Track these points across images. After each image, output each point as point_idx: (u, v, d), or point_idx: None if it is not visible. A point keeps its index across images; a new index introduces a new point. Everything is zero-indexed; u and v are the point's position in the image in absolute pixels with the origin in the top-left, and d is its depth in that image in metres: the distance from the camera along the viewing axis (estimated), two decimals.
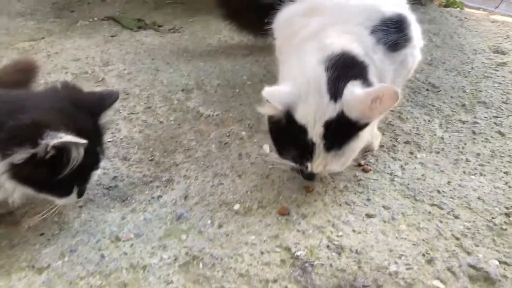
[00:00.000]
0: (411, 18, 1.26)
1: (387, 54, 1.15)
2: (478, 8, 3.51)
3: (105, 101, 1.00)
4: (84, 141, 0.87)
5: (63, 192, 0.96)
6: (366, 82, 1.05)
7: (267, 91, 0.98)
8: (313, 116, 0.99)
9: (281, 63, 1.29)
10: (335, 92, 1.00)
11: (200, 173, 1.22)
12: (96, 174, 1.00)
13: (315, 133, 1.00)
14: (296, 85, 1.02)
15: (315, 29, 1.16)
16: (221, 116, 1.47)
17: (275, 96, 0.99)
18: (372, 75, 1.09)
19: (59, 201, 0.97)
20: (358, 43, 1.11)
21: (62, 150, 0.87)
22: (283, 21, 1.32)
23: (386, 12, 1.18)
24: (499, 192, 1.19)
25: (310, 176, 1.09)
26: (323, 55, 1.06)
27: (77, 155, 0.89)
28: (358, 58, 1.08)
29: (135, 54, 1.86)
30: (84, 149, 0.90)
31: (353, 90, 1.00)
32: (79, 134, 0.88)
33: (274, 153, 1.11)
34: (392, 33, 1.16)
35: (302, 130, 1.00)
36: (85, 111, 0.96)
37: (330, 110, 0.99)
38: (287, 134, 1.04)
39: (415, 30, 1.25)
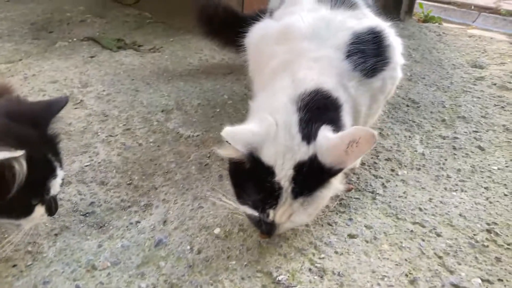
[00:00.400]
0: (390, 32, 1.21)
1: (364, 81, 1.09)
2: (456, 23, 3.59)
3: (51, 108, 0.95)
4: (19, 153, 0.81)
5: (21, 212, 0.89)
6: (338, 125, 0.98)
7: (228, 131, 0.89)
8: (282, 156, 0.90)
9: (254, 90, 1.26)
10: (308, 134, 0.92)
11: (179, 197, 1.19)
12: (57, 184, 0.94)
13: (284, 175, 0.90)
14: (263, 124, 0.94)
15: (285, 59, 1.10)
16: (201, 136, 1.46)
17: (237, 138, 0.89)
18: (345, 113, 1.02)
19: (24, 223, 0.91)
20: (331, 72, 1.05)
21: (1, 167, 0.81)
22: (254, 43, 1.29)
23: (360, 30, 1.13)
24: (480, 208, 1.19)
25: (269, 230, 0.97)
26: (295, 93, 0.99)
27: (20, 169, 0.82)
28: (331, 95, 1.00)
29: (115, 74, 1.84)
30: (30, 160, 0.83)
31: (327, 134, 0.92)
32: (19, 146, 0.82)
33: (231, 199, 1.03)
34: (369, 56, 1.10)
35: (268, 172, 0.90)
36: (27, 122, 0.90)
37: (302, 152, 0.91)
38: (249, 176, 0.93)
39: (395, 48, 1.21)
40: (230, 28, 1.80)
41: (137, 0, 2.92)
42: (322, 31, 1.13)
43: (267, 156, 0.90)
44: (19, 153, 0.81)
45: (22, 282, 0.94)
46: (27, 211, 0.90)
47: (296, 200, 0.91)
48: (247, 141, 0.90)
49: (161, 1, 2.92)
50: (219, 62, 2.01)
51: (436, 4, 3.94)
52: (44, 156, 0.91)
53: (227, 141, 0.88)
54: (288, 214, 0.93)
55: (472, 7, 3.80)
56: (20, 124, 0.90)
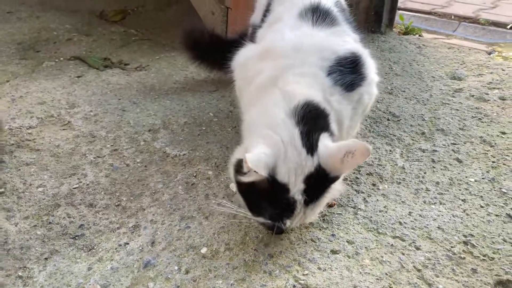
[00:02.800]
0: (365, 55, 1.30)
1: (344, 95, 1.18)
2: (437, 33, 3.67)
3: None
4: None
5: None
6: (330, 131, 1.08)
7: (251, 160, 0.94)
8: (294, 173, 0.99)
9: (242, 106, 1.32)
10: (311, 146, 1.01)
11: (166, 217, 1.22)
12: None
13: (297, 190, 0.99)
14: (271, 144, 1.02)
15: (271, 74, 1.18)
16: (187, 155, 1.49)
17: (260, 164, 0.96)
18: (332, 122, 1.12)
19: None
20: (316, 87, 1.14)
21: None
22: (240, 63, 1.35)
23: (340, 51, 1.22)
24: (457, 221, 1.24)
25: (282, 231, 1.07)
26: (289, 107, 1.08)
27: None
28: (320, 106, 1.10)
29: (102, 94, 1.87)
30: None
31: (327, 143, 1.03)
32: None
33: (242, 209, 1.11)
34: (347, 73, 1.20)
35: (283, 189, 0.99)
36: None
37: (309, 165, 1.00)
38: (265, 194, 1.01)
39: (370, 67, 1.29)
40: (215, 52, 1.87)
41: (123, 17, 2.96)
42: (305, 47, 1.22)
43: (281, 175, 0.99)
44: None
45: None
46: None
47: (308, 207, 1.02)
48: (268, 164, 0.98)
49: (146, 17, 2.96)
50: (204, 79, 2.05)
51: (417, 14, 4.03)
52: None
53: (251, 170, 0.95)
54: (302, 219, 1.05)
55: (453, 17, 3.89)
56: None
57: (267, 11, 1.54)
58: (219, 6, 2.17)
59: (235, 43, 1.84)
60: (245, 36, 1.75)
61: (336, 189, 1.10)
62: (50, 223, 1.20)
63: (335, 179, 1.02)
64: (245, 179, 1.01)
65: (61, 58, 2.23)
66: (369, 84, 1.27)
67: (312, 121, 1.05)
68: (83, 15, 2.92)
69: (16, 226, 1.18)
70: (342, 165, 0.99)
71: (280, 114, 1.07)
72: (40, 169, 1.40)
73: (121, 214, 1.24)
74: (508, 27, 3.59)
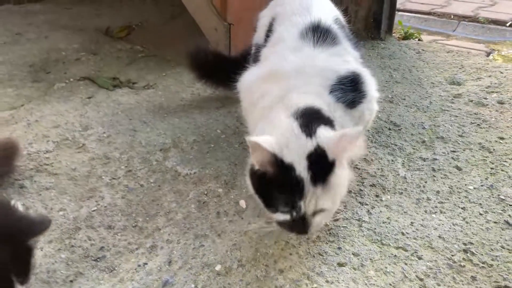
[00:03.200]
0: (365, 74, 1.37)
1: (347, 111, 1.26)
2: (437, 33, 3.72)
3: (33, 228, 1.00)
4: None
5: None
6: (333, 127, 1.17)
7: (256, 138, 1.06)
8: (297, 154, 1.08)
9: (250, 125, 1.39)
10: (309, 132, 1.11)
11: (181, 236, 1.30)
12: None
13: (302, 167, 1.07)
14: (274, 136, 1.12)
15: (276, 95, 1.27)
16: (198, 174, 1.57)
17: (264, 141, 1.07)
18: (336, 125, 1.20)
19: None
20: (320, 100, 1.23)
21: None
22: (245, 87, 1.42)
23: (341, 71, 1.30)
24: (457, 229, 1.30)
25: (304, 227, 1.11)
26: (290, 111, 1.17)
27: None
28: (323, 111, 1.19)
29: (113, 115, 1.94)
30: None
31: (324, 131, 1.12)
32: None
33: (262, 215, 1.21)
34: (349, 91, 1.28)
35: (290, 169, 1.07)
36: (4, 241, 0.95)
37: (309, 145, 1.09)
38: (276, 181, 1.09)
39: (370, 85, 1.36)
40: (220, 71, 1.95)
41: (127, 33, 3.04)
42: (308, 69, 1.29)
43: (286, 156, 1.08)
44: None
45: None
46: None
47: (317, 187, 1.07)
48: (272, 145, 1.07)
49: (151, 32, 3.04)
50: (210, 96, 2.12)
51: (417, 15, 4.08)
52: (6, 276, 0.94)
53: (257, 145, 1.05)
54: (315, 201, 1.08)
55: (452, 17, 3.93)
56: None
57: (269, 31, 1.60)
58: (222, 23, 2.24)
59: (238, 62, 1.93)
60: (248, 55, 1.83)
61: (346, 177, 1.17)
62: (72, 246, 1.28)
63: (334, 162, 1.09)
64: (253, 158, 1.09)
65: (71, 79, 2.31)
66: (370, 101, 1.34)
67: (312, 116, 1.16)
68: (90, 33, 3.01)
69: (41, 250, 1.26)
70: (338, 148, 1.08)
71: (281, 117, 1.17)
72: (60, 193, 1.48)
73: (139, 234, 1.31)
74: (508, 24, 3.64)
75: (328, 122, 1.18)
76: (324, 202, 1.10)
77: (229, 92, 2.02)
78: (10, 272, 0.95)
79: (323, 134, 1.11)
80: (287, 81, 1.29)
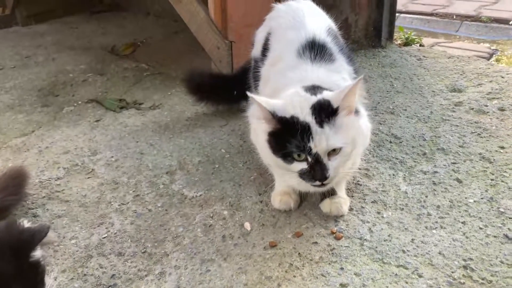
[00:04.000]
0: None
1: None
2: (440, 34, 3.72)
3: (33, 238, 1.05)
4: None
5: None
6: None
7: (255, 95, 1.24)
8: (300, 107, 1.22)
9: (256, 141, 1.49)
10: (315, 93, 1.26)
11: (189, 261, 1.34)
12: None
13: (306, 114, 1.21)
14: (282, 99, 1.27)
15: (284, 96, 1.34)
16: (203, 196, 1.61)
17: (262, 100, 1.23)
18: None
19: None
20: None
21: None
22: (254, 111, 1.49)
23: (340, 86, 1.37)
24: (457, 245, 1.33)
25: (321, 173, 1.22)
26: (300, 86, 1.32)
27: None
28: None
29: (120, 138, 2.00)
30: None
31: (329, 93, 1.26)
32: None
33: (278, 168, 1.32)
34: None
35: (294, 118, 1.21)
36: (7, 254, 0.99)
37: (312, 99, 1.24)
38: (286, 133, 1.22)
39: (359, 104, 1.44)
40: (219, 89, 2.01)
41: (133, 50, 3.11)
42: (309, 79, 1.38)
43: (290, 111, 1.23)
44: None
45: None
46: None
47: (324, 128, 1.20)
48: (274, 107, 1.23)
49: (155, 48, 3.10)
50: (213, 113, 2.17)
51: (419, 16, 4.09)
52: None
53: (259, 104, 1.22)
54: (325, 140, 1.20)
55: (454, 17, 3.93)
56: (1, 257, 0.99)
57: (265, 46, 1.66)
58: (223, 41, 2.29)
59: (236, 78, 2.00)
60: (246, 70, 1.89)
61: (359, 123, 1.33)
62: (85, 275, 1.33)
63: (337, 109, 1.22)
64: (270, 132, 1.26)
65: (79, 102, 2.38)
66: (362, 117, 1.42)
67: (317, 87, 1.30)
68: (96, 51, 3.08)
69: (55, 280, 1.31)
70: (340, 96, 1.21)
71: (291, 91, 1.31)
72: (71, 221, 1.54)
73: (148, 261, 1.36)
74: (511, 23, 3.63)
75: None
76: (334, 141, 1.21)
77: (232, 106, 2.10)
78: (12, 286, 0.99)
79: (328, 93, 1.25)
80: (291, 88, 1.35)
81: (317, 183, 1.25)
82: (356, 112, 1.37)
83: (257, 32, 1.80)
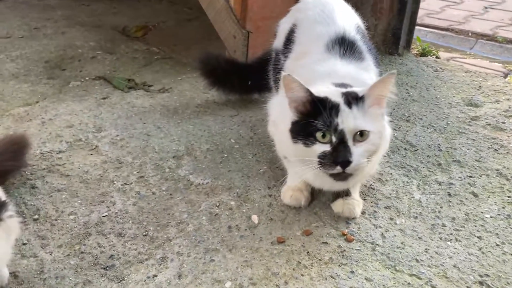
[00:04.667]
0: None
1: None
2: (454, 50, 3.69)
3: None
4: None
5: None
6: None
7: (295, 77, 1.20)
8: (330, 92, 1.24)
9: (274, 133, 1.48)
10: (344, 86, 1.27)
11: (192, 249, 1.28)
12: None
13: (336, 96, 1.22)
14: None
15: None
16: (210, 184, 1.55)
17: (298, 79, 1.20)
18: None
19: None
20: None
21: None
22: (276, 102, 1.48)
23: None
24: (473, 259, 1.28)
25: (344, 155, 1.18)
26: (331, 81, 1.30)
27: None
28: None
29: (127, 118, 1.93)
30: None
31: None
32: None
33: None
34: None
35: (324, 99, 1.21)
36: None
37: (342, 90, 1.25)
38: (313, 113, 1.21)
39: None
40: (232, 77, 1.95)
41: (144, 33, 3.04)
42: (339, 73, 1.37)
43: (321, 94, 1.23)
44: None
45: None
46: None
47: (352, 109, 1.19)
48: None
49: (167, 34, 3.03)
50: (225, 103, 2.10)
51: (434, 30, 4.05)
52: None
53: (292, 79, 1.19)
54: (352, 119, 1.19)
55: (470, 34, 3.90)
56: None
57: (289, 38, 1.60)
58: (241, 30, 2.23)
59: (252, 68, 1.94)
60: (263, 61, 1.83)
61: (384, 118, 1.31)
62: (82, 252, 1.26)
63: (364, 97, 1.21)
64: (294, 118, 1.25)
65: (87, 78, 2.31)
66: (386, 120, 1.37)
67: (347, 85, 1.28)
68: (106, 30, 3.01)
69: (50, 254, 1.25)
70: (370, 89, 1.20)
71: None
72: (71, 196, 1.47)
73: (149, 244, 1.30)
74: None
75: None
76: (361, 122, 1.19)
77: (241, 97, 2.04)
78: None
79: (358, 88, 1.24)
80: (318, 83, 1.31)
81: (338, 168, 1.19)
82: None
83: (280, 23, 1.74)
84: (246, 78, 1.98)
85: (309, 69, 1.40)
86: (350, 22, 1.51)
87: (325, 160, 1.20)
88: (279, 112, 1.43)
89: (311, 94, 1.21)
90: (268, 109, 1.53)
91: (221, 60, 2.02)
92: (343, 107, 1.20)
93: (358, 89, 1.24)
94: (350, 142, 1.19)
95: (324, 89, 1.25)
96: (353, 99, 1.21)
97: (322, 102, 1.20)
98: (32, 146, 1.62)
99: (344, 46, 1.42)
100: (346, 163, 1.18)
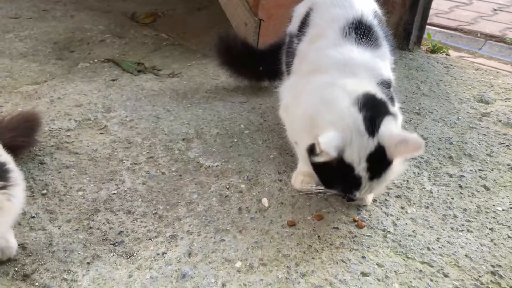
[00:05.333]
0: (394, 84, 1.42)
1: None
2: (463, 50, 3.67)
3: None
4: None
5: None
6: (392, 114, 1.24)
7: (324, 142, 1.11)
8: (358, 155, 1.16)
9: (286, 117, 1.45)
10: (373, 129, 1.17)
11: (202, 228, 1.27)
12: None
13: (361, 168, 1.16)
14: (340, 129, 1.16)
15: (327, 80, 1.29)
16: (220, 167, 1.54)
17: (331, 146, 1.12)
18: (390, 108, 1.25)
19: None
20: (372, 85, 1.28)
21: None
22: (288, 85, 1.45)
23: (384, 75, 1.33)
24: (485, 250, 1.26)
25: (350, 199, 1.26)
26: (352, 98, 1.21)
27: None
28: (377, 96, 1.24)
29: (136, 100, 1.92)
30: None
31: (389, 126, 1.18)
32: None
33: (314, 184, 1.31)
34: (388, 91, 1.33)
35: (350, 168, 1.16)
36: None
37: (370, 145, 1.16)
38: (336, 172, 1.19)
39: (395, 93, 1.40)
40: (245, 60, 1.93)
41: (153, 20, 3.02)
42: (355, 61, 1.33)
43: (347, 156, 1.16)
44: None
45: None
46: None
47: (372, 182, 1.18)
48: (337, 146, 1.14)
49: (176, 21, 3.01)
50: (234, 89, 2.09)
51: (443, 30, 4.03)
52: None
53: (322, 150, 1.11)
54: (369, 191, 1.22)
55: (479, 35, 3.88)
56: None
57: (304, 22, 1.59)
58: (253, 18, 2.21)
59: (266, 54, 1.93)
60: (277, 48, 1.81)
61: (397, 170, 1.24)
62: (90, 227, 1.25)
63: (391, 160, 1.18)
64: (318, 159, 1.17)
65: (95, 60, 2.29)
66: (397, 106, 1.36)
67: (374, 107, 1.20)
68: (115, 16, 2.98)
69: (59, 228, 1.24)
70: (395, 150, 1.15)
71: (345, 103, 1.20)
72: (80, 173, 1.46)
73: (158, 222, 1.28)
74: None
75: (386, 109, 1.24)
76: (376, 190, 1.26)
77: (250, 83, 2.03)
78: None
79: (386, 131, 1.17)
80: (333, 71, 1.30)
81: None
82: (392, 100, 1.32)
83: (297, 8, 1.72)
84: (257, 64, 1.97)
85: (324, 54, 1.38)
86: (368, 6, 1.49)
87: (336, 194, 1.28)
88: (292, 96, 1.41)
89: (334, 157, 1.16)
90: (280, 93, 1.51)
91: (238, 42, 2.00)
92: (364, 182, 1.18)
93: (388, 144, 1.17)
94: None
95: (354, 140, 1.17)
96: (378, 170, 1.19)
97: (347, 169, 1.18)
98: (42, 123, 1.60)
99: (360, 31, 1.39)
100: (352, 201, 1.27)
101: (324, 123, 1.20)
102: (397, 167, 1.23)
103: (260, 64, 1.96)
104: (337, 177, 1.20)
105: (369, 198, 1.40)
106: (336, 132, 1.15)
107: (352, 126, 1.16)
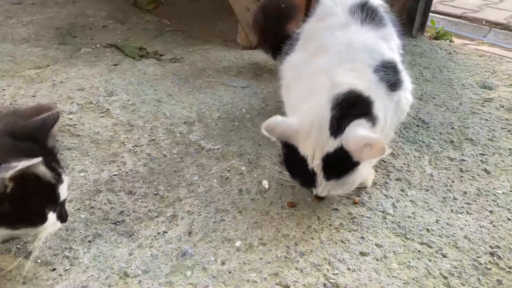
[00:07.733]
0: (401, 65, 1.36)
1: (387, 93, 1.26)
2: (467, 37, 3.65)
3: (46, 124, 1.00)
4: (38, 159, 0.85)
5: (37, 220, 0.93)
6: (371, 117, 1.16)
7: (267, 123, 1.14)
8: (312, 151, 1.13)
9: (286, 98, 1.43)
10: (337, 129, 1.12)
11: (202, 209, 1.28)
12: (65, 189, 0.98)
13: (315, 165, 1.13)
14: (300, 119, 1.15)
15: (323, 64, 1.27)
16: (221, 150, 1.54)
17: (267, 126, 1.14)
18: (377, 109, 1.19)
19: (40, 232, 0.94)
20: (364, 79, 1.23)
21: (22, 178, 0.85)
22: (291, 63, 1.44)
23: (386, 55, 1.31)
24: (484, 231, 1.27)
25: (319, 197, 1.24)
26: (331, 94, 1.17)
27: (44, 174, 0.89)
28: (363, 94, 1.18)
29: (138, 84, 1.92)
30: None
31: (355, 129, 1.11)
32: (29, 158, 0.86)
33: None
34: (390, 74, 1.28)
35: (304, 161, 1.14)
36: (28, 139, 0.95)
37: (330, 145, 1.11)
38: (294, 162, 1.17)
39: (406, 76, 1.35)
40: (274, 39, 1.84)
41: (156, 6, 3.01)
42: (356, 45, 1.31)
43: (302, 149, 1.14)
44: (38, 159, 0.85)
45: (61, 286, 1.02)
46: (42, 219, 0.93)
47: (329, 182, 1.14)
48: (283, 134, 1.14)
49: (178, 8, 3.01)
50: (236, 75, 2.09)
51: (447, 18, 4.00)
52: (50, 165, 0.94)
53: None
54: (327, 190, 1.17)
55: (483, 22, 3.85)
56: (23, 141, 0.94)
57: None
58: (255, 3, 2.20)
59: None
60: None
61: (363, 174, 1.20)
62: (92, 207, 1.26)
63: (357, 163, 1.12)
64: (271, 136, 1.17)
65: (98, 45, 2.29)
66: (406, 89, 1.35)
67: (349, 107, 1.14)
68: (118, 2, 2.98)
69: None
70: (361, 153, 1.09)
71: (322, 98, 1.16)
72: (82, 155, 1.47)
73: (159, 203, 1.29)
74: None
75: (366, 110, 1.17)
76: (337, 191, 1.19)
77: (274, 60, 1.97)
78: (51, 162, 0.96)
79: (350, 134, 1.11)
80: (333, 54, 1.30)
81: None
82: (400, 83, 1.30)
83: None
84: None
85: (331, 33, 1.36)
86: None
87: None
88: (293, 77, 1.41)
89: (285, 143, 1.19)
90: (281, 71, 1.49)
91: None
92: (319, 179, 1.15)
93: (351, 144, 1.11)
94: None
95: (312, 135, 1.14)
96: (336, 173, 1.14)
97: (302, 162, 1.15)
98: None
99: (365, 11, 1.39)
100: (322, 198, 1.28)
101: (295, 108, 1.23)
102: (366, 171, 1.21)
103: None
104: (296, 168, 1.18)
105: (369, 180, 1.40)
106: (284, 119, 1.17)
107: (315, 122, 1.13)
